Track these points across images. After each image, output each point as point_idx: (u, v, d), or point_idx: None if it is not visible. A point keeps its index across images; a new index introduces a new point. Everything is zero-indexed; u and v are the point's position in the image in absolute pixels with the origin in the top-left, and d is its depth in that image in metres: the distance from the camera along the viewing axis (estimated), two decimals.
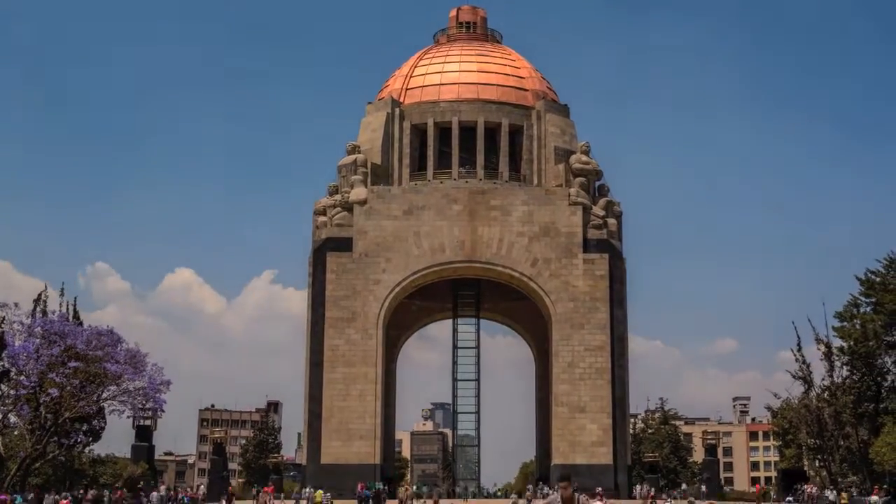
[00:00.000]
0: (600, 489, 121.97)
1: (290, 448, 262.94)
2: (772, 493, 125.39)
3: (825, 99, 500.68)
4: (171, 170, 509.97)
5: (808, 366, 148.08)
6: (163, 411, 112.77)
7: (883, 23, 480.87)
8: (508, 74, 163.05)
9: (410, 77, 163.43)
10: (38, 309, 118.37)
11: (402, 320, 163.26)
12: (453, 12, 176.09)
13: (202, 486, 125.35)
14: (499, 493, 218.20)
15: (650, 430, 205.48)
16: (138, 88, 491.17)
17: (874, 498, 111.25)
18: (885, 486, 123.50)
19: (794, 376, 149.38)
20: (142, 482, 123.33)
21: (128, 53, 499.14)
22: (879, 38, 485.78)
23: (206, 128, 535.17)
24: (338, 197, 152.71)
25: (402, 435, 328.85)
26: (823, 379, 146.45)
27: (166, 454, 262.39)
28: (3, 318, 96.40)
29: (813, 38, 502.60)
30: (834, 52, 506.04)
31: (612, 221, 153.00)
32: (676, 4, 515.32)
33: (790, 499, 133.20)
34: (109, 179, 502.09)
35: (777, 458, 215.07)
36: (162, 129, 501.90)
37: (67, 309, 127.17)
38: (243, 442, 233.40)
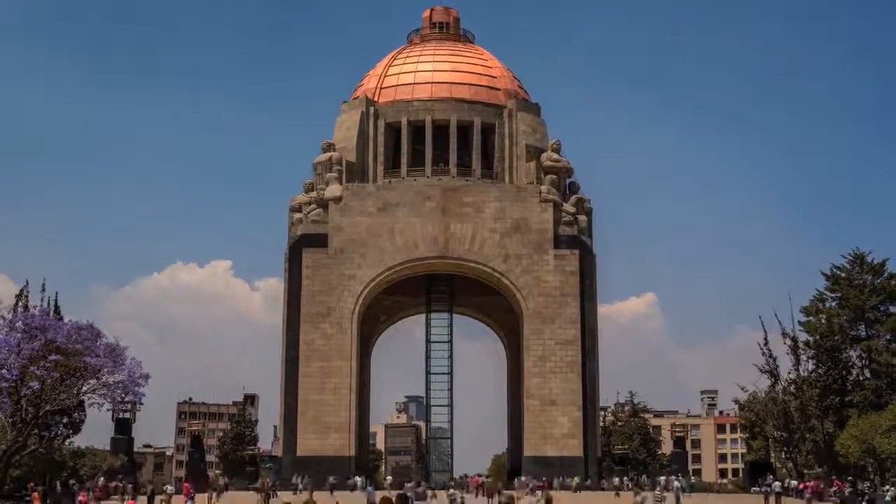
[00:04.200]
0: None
1: (267, 440, 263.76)
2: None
3: (798, 95, 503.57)
4: (154, 166, 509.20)
5: (775, 359, 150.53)
6: (142, 404, 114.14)
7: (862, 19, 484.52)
8: (481, 74, 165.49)
9: (384, 76, 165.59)
10: (19, 304, 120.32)
11: (376, 315, 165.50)
12: (426, 13, 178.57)
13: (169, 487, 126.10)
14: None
15: (620, 423, 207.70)
16: (124, 90, 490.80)
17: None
18: (848, 479, 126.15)
19: (760, 370, 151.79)
20: (121, 475, 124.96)
21: (107, 56, 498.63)
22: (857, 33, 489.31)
23: (185, 124, 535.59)
24: (313, 194, 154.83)
25: (377, 427, 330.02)
26: (790, 372, 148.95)
27: (145, 446, 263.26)
28: None
29: (787, 31, 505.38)
30: (803, 46, 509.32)
31: (582, 218, 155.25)
32: (648, 4, 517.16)
33: (755, 489, 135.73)
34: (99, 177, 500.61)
35: (744, 451, 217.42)
36: (142, 126, 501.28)
37: (48, 304, 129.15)
38: (220, 434, 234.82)
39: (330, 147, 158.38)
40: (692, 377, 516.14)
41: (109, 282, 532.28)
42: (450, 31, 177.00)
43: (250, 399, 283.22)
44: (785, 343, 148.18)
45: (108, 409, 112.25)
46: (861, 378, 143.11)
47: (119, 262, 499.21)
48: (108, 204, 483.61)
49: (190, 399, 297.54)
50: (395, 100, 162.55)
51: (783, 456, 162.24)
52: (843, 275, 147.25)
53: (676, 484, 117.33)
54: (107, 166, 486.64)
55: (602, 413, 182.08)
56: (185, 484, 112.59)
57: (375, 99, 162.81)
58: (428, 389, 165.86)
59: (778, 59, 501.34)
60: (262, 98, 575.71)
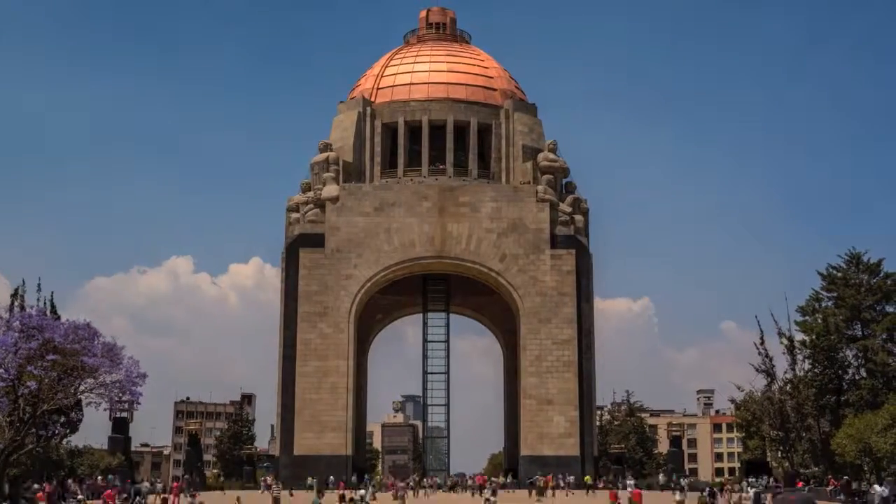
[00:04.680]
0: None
1: (264, 440, 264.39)
2: None
3: (798, 95, 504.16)
4: (153, 166, 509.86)
5: (771, 359, 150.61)
6: (139, 404, 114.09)
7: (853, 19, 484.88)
8: (477, 74, 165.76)
9: (381, 77, 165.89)
10: (15, 304, 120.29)
11: (373, 314, 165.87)
12: (423, 13, 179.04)
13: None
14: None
15: (616, 422, 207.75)
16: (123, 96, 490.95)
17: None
18: (844, 478, 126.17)
19: (757, 369, 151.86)
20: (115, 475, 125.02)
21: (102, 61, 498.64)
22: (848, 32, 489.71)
23: (186, 124, 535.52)
24: (310, 194, 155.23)
25: (374, 427, 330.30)
26: (786, 372, 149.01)
27: (142, 446, 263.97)
28: None
29: (787, 31, 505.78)
30: (803, 46, 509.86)
31: (578, 218, 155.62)
32: (647, 4, 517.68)
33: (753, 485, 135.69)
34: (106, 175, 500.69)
35: (740, 450, 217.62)
36: (142, 124, 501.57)
37: (45, 304, 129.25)
38: (218, 434, 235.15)
39: (327, 147, 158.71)
40: (688, 377, 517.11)
41: (74, 282, 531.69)
42: (446, 32, 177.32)
43: (247, 398, 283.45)
44: (781, 343, 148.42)
45: (105, 409, 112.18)
46: (857, 377, 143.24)
47: (94, 262, 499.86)
48: (108, 203, 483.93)
49: (187, 398, 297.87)
50: (391, 100, 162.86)
51: (779, 455, 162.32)
52: (840, 274, 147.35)
53: (683, 482, 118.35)
54: (107, 166, 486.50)
55: (598, 412, 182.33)
56: (174, 484, 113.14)
57: (372, 99, 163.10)
58: (425, 389, 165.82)
59: (778, 59, 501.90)
60: (261, 98, 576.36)
